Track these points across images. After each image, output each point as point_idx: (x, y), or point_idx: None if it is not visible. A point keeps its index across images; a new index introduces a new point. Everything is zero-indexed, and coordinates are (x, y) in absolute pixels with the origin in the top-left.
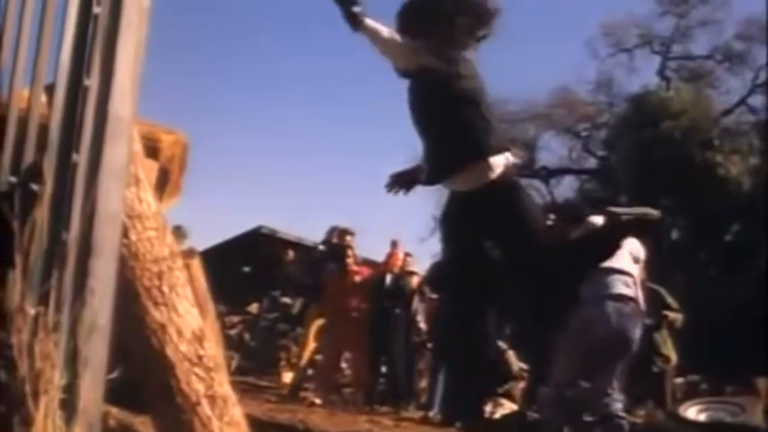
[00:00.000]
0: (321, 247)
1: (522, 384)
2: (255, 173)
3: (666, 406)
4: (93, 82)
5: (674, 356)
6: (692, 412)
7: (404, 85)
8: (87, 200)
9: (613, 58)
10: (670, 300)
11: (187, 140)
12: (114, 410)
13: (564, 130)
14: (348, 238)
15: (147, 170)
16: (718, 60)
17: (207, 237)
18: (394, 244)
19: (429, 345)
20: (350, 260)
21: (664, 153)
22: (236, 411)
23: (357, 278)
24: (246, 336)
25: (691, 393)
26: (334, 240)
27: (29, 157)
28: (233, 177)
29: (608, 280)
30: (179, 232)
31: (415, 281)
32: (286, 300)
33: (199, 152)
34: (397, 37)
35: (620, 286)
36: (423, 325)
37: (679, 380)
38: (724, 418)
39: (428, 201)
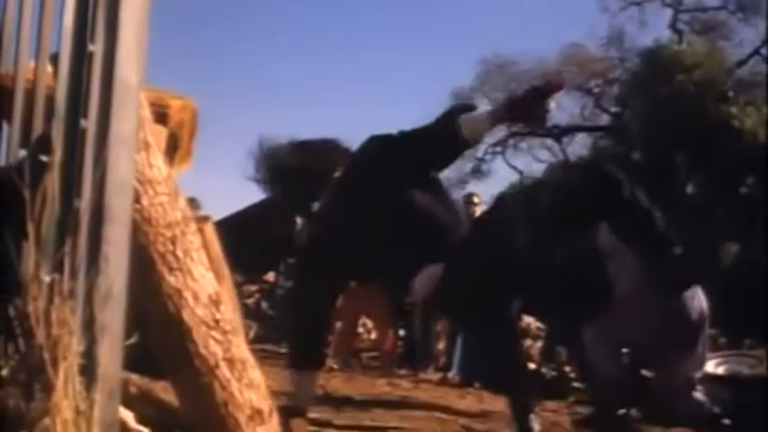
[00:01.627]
0: None
1: (539, 344)
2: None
3: None
4: (97, 47)
5: None
6: (711, 365)
7: (416, 36)
8: (97, 166)
9: (624, 13)
10: None
11: (196, 106)
12: (134, 377)
13: (576, 88)
14: None
15: (157, 135)
16: (731, 11)
17: (221, 208)
18: None
19: None
20: None
21: (677, 107)
22: (256, 374)
23: None
24: (264, 304)
25: (709, 347)
26: None
27: (38, 128)
28: (244, 147)
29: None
30: (193, 204)
31: None
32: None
33: (211, 123)
34: None
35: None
36: None
37: None
38: (742, 371)
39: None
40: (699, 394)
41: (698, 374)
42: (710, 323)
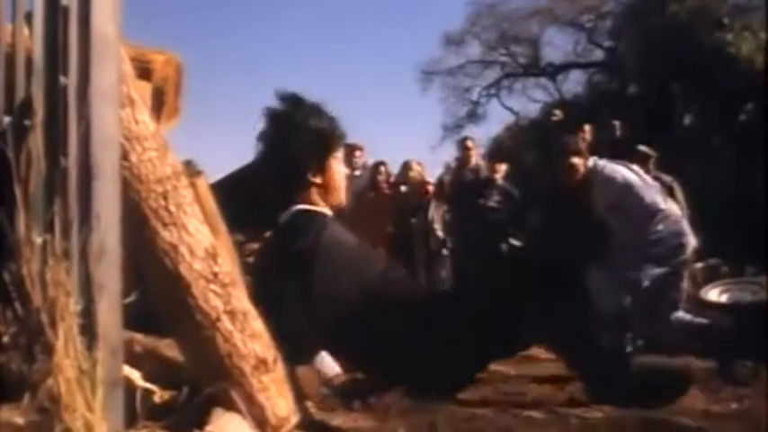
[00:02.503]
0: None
1: None
2: (257, 96)
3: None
4: (71, 1)
5: (692, 242)
6: (714, 294)
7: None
8: (81, 123)
9: None
10: (678, 193)
11: (180, 61)
12: (138, 336)
13: (568, 23)
14: (357, 153)
15: (141, 91)
16: None
17: (217, 168)
18: (406, 166)
19: (445, 251)
20: (381, 177)
21: (672, 38)
22: (258, 324)
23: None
24: None
25: (711, 277)
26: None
27: (20, 93)
28: (234, 104)
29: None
30: (190, 166)
31: (429, 189)
32: None
33: (199, 80)
34: None
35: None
36: (440, 233)
37: (699, 265)
38: (745, 298)
39: (438, 110)
40: (681, 314)
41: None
42: (711, 252)
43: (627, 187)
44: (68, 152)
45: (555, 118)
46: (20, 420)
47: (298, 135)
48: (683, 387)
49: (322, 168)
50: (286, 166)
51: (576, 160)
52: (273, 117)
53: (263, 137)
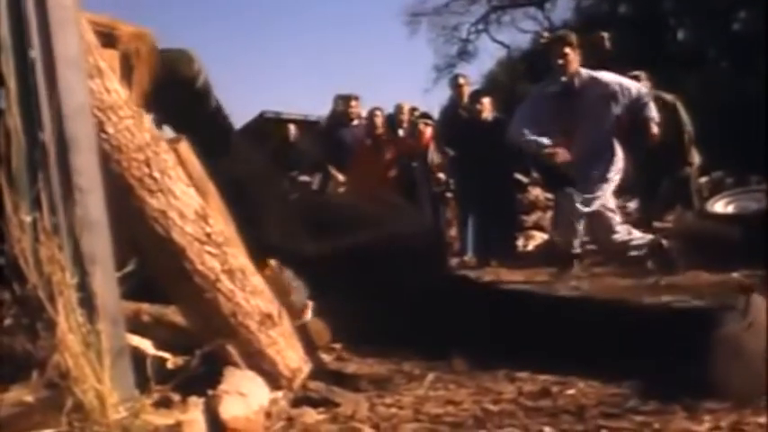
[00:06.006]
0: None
1: (549, 214)
2: (247, 59)
3: (694, 206)
4: None
5: (696, 158)
6: (720, 206)
7: None
8: (51, 94)
9: None
10: (681, 111)
11: (153, 36)
12: (145, 306)
13: None
14: (353, 103)
15: (108, 59)
16: None
17: None
18: (398, 108)
19: (449, 194)
20: (377, 120)
21: None
22: (257, 280)
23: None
24: None
25: (716, 190)
26: (340, 108)
27: None
28: (225, 69)
29: None
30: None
31: (428, 131)
32: (304, 178)
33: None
34: None
35: None
36: (441, 175)
37: (703, 179)
38: (750, 206)
39: (429, 52)
40: None
41: None
42: (715, 166)
43: (617, 81)
44: (44, 126)
45: (543, 41)
46: (30, 398)
47: None
48: None
49: None
50: None
51: (569, 51)
52: None
53: None
